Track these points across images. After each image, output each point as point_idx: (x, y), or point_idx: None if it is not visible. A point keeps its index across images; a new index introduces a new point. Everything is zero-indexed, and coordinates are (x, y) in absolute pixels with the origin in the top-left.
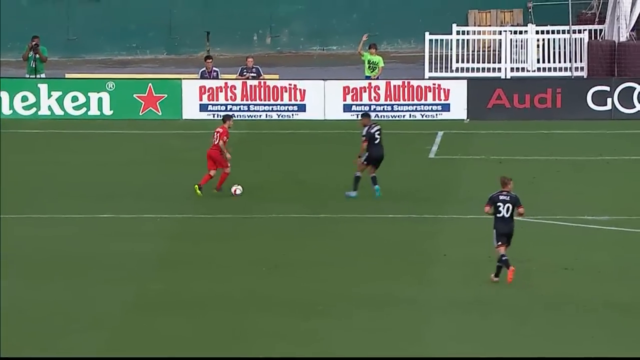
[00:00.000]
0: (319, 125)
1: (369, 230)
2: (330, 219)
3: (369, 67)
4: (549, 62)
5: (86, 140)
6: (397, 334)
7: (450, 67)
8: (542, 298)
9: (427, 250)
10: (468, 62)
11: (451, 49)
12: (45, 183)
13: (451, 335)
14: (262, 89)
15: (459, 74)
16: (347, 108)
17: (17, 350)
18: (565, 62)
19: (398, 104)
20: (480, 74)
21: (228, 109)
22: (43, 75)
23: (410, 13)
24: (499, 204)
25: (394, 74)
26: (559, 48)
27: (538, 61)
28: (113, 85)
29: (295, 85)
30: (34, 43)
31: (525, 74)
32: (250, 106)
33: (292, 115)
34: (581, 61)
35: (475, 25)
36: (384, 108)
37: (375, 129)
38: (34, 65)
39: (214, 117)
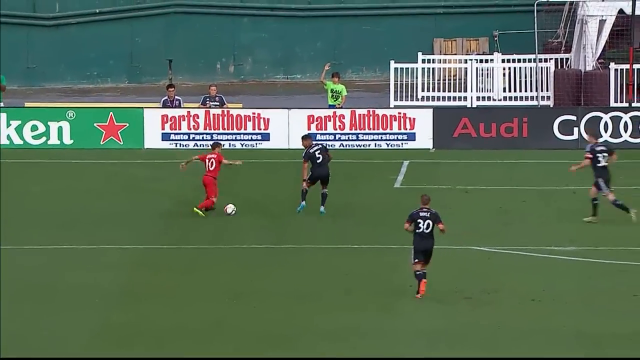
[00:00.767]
0: (283, 154)
1: (333, 261)
2: (295, 249)
3: (332, 96)
4: (515, 91)
5: (46, 170)
6: None
7: (416, 95)
8: (510, 329)
9: (393, 280)
10: (434, 90)
11: (417, 78)
12: (4, 213)
13: None
14: (226, 117)
15: (425, 103)
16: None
17: None
18: (531, 91)
19: (363, 133)
20: (446, 103)
21: (191, 137)
22: (2, 104)
23: (375, 41)
24: (419, 220)
25: (359, 102)
26: (525, 77)
27: (504, 90)
28: (73, 114)
29: (259, 114)
30: None
31: (491, 102)
32: (214, 135)
33: (256, 144)
34: (547, 90)
35: (440, 54)
36: (349, 137)
37: (315, 148)
38: None
39: (176, 146)
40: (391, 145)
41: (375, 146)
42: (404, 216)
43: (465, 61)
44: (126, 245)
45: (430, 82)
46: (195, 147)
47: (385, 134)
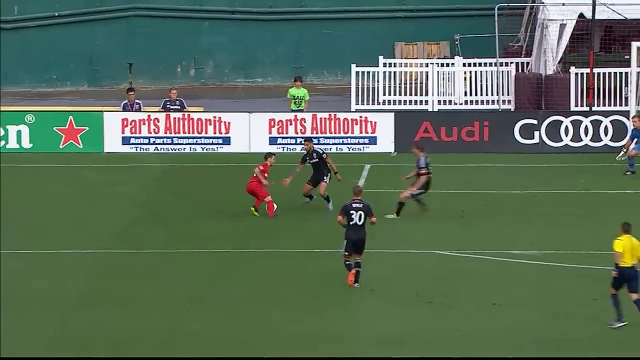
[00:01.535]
0: (244, 158)
1: (296, 265)
2: (257, 254)
3: (295, 102)
4: (476, 94)
5: (4, 175)
6: None
7: (377, 99)
8: (470, 333)
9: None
10: (395, 94)
11: (378, 82)
12: None
13: None
14: (186, 121)
15: (386, 107)
16: (272, 141)
17: None
18: (492, 95)
19: (325, 137)
20: (408, 107)
21: (151, 141)
22: None
23: (337, 45)
24: (352, 212)
25: (321, 106)
26: (486, 81)
27: (465, 94)
28: (32, 118)
29: (220, 118)
30: None
31: (452, 106)
32: (174, 139)
33: (217, 148)
34: (508, 94)
35: (402, 58)
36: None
37: (315, 155)
38: None
39: (136, 150)
40: (353, 149)
41: (337, 150)
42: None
43: (427, 65)
44: (85, 250)
45: (392, 86)
46: (156, 152)
47: (346, 137)
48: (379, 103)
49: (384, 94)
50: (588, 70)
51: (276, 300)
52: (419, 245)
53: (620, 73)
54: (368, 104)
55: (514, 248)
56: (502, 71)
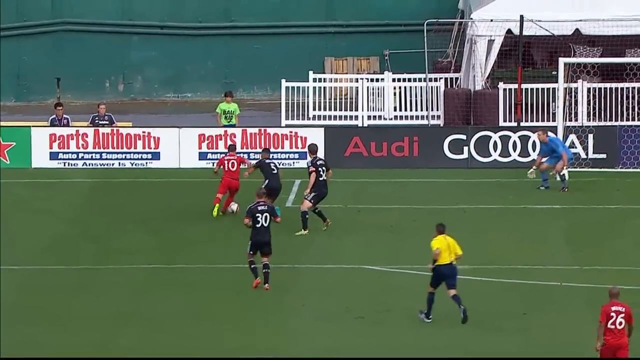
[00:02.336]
0: (174, 173)
1: (226, 280)
2: (185, 269)
3: (225, 117)
4: (405, 110)
5: None
6: None
7: (307, 115)
8: (400, 348)
9: (284, 300)
10: (325, 109)
11: (308, 97)
12: None
13: None
14: (115, 136)
15: (316, 122)
16: (202, 156)
17: None
18: (421, 110)
19: (255, 152)
20: (337, 122)
21: (79, 157)
22: None
23: (267, 60)
24: (257, 214)
25: (251, 121)
26: (416, 96)
27: (395, 109)
28: None
29: (149, 133)
30: None
31: (382, 122)
32: (103, 154)
33: (146, 163)
34: (437, 109)
35: (332, 73)
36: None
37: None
38: None
39: (64, 165)
40: (283, 165)
41: None
42: (294, 236)
43: (356, 80)
44: (12, 267)
45: (322, 101)
46: (85, 167)
47: (276, 152)
48: (309, 118)
49: (314, 109)
50: (516, 85)
51: (204, 315)
52: (349, 260)
53: (548, 89)
54: (298, 119)
55: None
56: (432, 87)
